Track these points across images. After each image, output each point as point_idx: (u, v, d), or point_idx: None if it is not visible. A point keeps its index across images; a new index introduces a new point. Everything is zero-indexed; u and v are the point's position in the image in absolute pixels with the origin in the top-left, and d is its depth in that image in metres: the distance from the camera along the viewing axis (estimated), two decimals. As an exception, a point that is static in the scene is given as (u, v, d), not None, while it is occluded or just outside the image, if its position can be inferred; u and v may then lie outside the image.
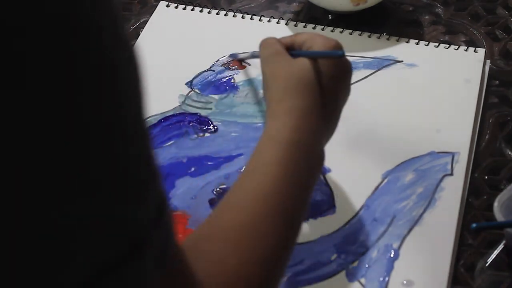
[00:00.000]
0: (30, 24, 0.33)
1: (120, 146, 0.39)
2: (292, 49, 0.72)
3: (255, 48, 0.97)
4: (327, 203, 0.81)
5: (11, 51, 0.33)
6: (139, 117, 0.40)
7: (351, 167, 0.84)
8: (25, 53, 0.33)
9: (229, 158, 0.86)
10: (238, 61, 0.95)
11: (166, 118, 0.90)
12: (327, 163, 0.83)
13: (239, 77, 0.94)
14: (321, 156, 0.67)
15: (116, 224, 0.39)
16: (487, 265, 0.76)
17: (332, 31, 0.98)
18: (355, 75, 0.92)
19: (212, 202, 0.82)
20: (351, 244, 0.77)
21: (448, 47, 0.95)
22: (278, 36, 0.98)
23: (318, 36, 0.72)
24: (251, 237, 0.56)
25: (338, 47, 0.71)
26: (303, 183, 0.63)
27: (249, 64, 0.95)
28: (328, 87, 0.68)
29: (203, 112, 0.91)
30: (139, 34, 1.00)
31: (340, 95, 0.71)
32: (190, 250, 0.49)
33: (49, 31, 0.34)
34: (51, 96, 0.34)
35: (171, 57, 0.97)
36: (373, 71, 0.93)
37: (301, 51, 0.71)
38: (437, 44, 0.96)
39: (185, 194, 0.83)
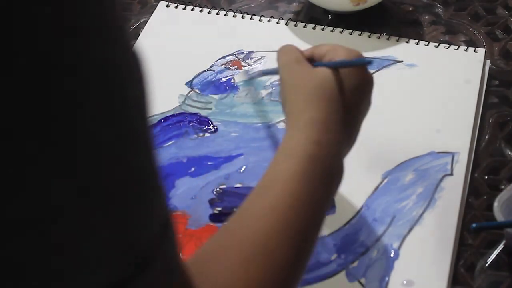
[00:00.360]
0: (26, 27, 0.33)
1: (126, 160, 0.38)
2: (312, 61, 0.70)
3: (254, 47, 0.98)
4: (327, 203, 0.80)
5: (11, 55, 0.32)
6: (145, 130, 0.39)
7: (351, 167, 0.83)
8: (24, 59, 0.33)
9: (229, 158, 0.86)
10: (238, 62, 0.96)
11: (166, 118, 0.90)
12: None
13: (239, 77, 0.94)
14: (340, 169, 0.65)
15: (121, 241, 0.38)
16: (487, 265, 0.76)
17: (332, 31, 0.98)
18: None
19: (212, 202, 0.82)
20: (351, 244, 0.77)
21: (448, 47, 0.95)
22: (278, 36, 0.98)
23: (340, 47, 0.69)
24: (260, 257, 0.54)
25: (362, 57, 0.69)
26: (320, 199, 0.61)
27: (249, 65, 0.95)
28: (349, 99, 0.66)
29: (203, 112, 0.91)
30: (139, 34, 1.00)
31: (361, 108, 0.69)
32: (195, 268, 0.47)
33: (47, 36, 0.33)
34: (51, 106, 0.34)
35: (171, 57, 0.97)
36: (373, 71, 0.93)
37: (324, 62, 0.68)
38: (437, 44, 0.96)
39: (185, 194, 0.83)
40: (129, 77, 0.38)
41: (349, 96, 0.66)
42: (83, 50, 0.35)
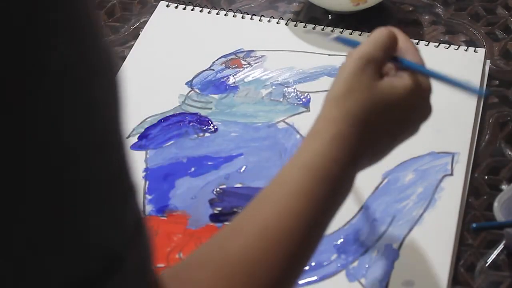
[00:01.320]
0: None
1: (97, 160, 0.37)
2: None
3: (254, 47, 0.98)
4: (327, 203, 0.80)
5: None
6: (116, 129, 0.39)
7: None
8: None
9: (229, 158, 0.86)
10: (238, 60, 0.96)
11: (166, 118, 0.90)
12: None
13: (239, 76, 0.94)
14: (350, 184, 0.61)
15: (91, 241, 0.38)
16: (487, 265, 0.76)
17: (332, 31, 0.98)
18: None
19: (212, 202, 0.82)
20: (351, 244, 0.77)
21: (448, 47, 0.95)
22: (278, 36, 0.98)
23: (415, 50, 0.65)
24: (246, 270, 0.52)
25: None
26: (322, 214, 0.57)
27: (250, 64, 0.95)
28: (385, 118, 0.62)
29: (203, 112, 0.91)
30: (139, 34, 1.00)
31: (396, 131, 0.65)
32: (173, 279, 0.46)
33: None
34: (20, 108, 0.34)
35: (171, 57, 0.97)
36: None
37: (410, 64, 0.64)
38: (437, 44, 0.96)
39: (185, 194, 0.83)
40: (98, 75, 0.37)
41: (387, 114, 0.62)
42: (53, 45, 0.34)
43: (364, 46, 0.63)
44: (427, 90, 0.65)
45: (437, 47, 0.95)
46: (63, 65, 0.35)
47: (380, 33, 0.64)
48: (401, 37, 0.66)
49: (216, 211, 0.81)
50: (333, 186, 0.58)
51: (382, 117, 0.62)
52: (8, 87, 0.33)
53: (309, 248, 0.57)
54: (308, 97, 0.91)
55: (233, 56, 0.96)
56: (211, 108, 0.91)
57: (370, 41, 0.63)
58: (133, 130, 0.89)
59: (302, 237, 0.55)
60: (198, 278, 0.50)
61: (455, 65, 0.93)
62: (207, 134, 0.88)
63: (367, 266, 0.75)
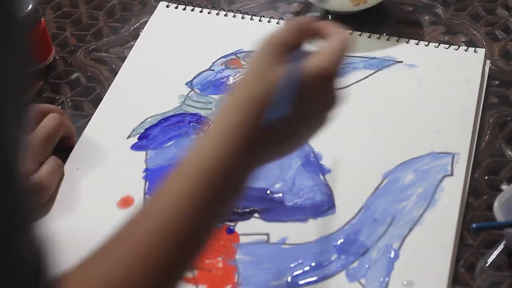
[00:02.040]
0: None
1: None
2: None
3: (254, 47, 0.98)
4: (327, 203, 0.81)
5: None
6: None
7: (351, 167, 0.84)
8: None
9: (229, 158, 0.86)
10: (238, 60, 0.96)
11: (166, 119, 0.90)
12: (328, 163, 0.84)
13: (239, 76, 0.94)
14: (243, 183, 0.60)
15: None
16: (487, 265, 0.76)
17: (332, 31, 0.98)
18: (355, 76, 0.92)
19: (212, 202, 0.82)
20: (351, 244, 0.77)
21: (448, 47, 0.95)
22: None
23: (340, 37, 0.64)
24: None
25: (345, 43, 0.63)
26: (205, 222, 0.58)
27: (249, 64, 0.95)
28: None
29: (203, 112, 0.91)
30: (139, 34, 1.00)
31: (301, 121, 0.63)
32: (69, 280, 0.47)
33: None
34: None
35: (171, 57, 0.97)
36: (373, 71, 0.93)
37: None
38: (437, 44, 0.96)
39: (185, 194, 0.83)
40: None
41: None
42: None
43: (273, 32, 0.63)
44: (327, 77, 0.61)
45: (437, 47, 0.95)
46: None
47: (292, 20, 0.65)
48: (328, 25, 0.65)
49: (216, 211, 0.81)
50: (211, 182, 0.58)
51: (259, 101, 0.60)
52: None
53: (189, 255, 0.58)
54: (308, 97, 0.91)
55: (233, 57, 0.96)
56: (211, 108, 0.91)
57: (280, 28, 0.64)
58: (133, 130, 0.89)
59: (181, 245, 0.56)
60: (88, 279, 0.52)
61: (455, 65, 0.93)
62: (207, 134, 0.88)
63: (367, 266, 0.75)
